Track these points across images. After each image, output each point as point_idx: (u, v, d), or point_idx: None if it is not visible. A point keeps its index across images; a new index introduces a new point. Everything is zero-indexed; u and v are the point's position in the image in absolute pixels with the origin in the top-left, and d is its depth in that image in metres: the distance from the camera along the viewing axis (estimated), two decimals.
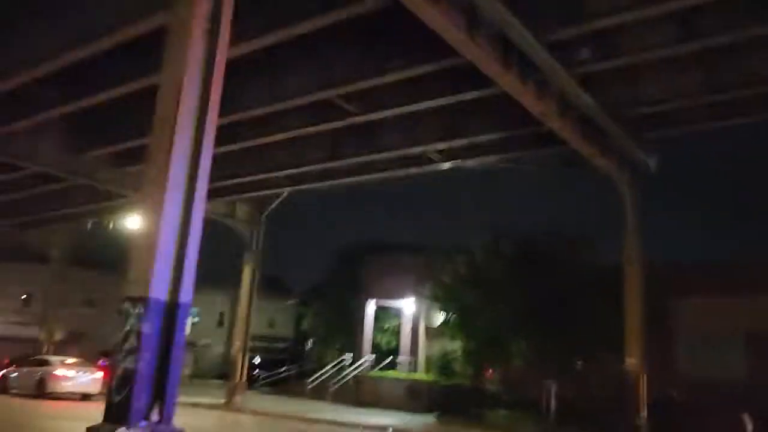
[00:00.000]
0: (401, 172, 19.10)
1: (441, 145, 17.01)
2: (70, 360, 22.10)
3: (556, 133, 14.84)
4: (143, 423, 5.76)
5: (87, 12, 11.94)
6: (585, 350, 20.99)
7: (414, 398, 25.43)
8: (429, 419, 21.59)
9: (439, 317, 29.22)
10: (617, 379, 16.94)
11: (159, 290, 6.06)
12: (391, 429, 18.44)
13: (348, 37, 13.02)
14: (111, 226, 25.22)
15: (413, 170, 18.86)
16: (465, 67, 12.83)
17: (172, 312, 6.14)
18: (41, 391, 20.67)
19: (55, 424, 14.39)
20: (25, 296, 47.21)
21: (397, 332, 34.35)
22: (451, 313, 23.36)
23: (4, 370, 23.10)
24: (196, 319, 55.39)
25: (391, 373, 28.15)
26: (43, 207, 27.79)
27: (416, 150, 17.40)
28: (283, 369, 38.81)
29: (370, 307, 32.24)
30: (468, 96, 14.48)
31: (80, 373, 21.24)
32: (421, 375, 27.39)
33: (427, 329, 30.21)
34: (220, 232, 26.44)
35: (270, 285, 55.44)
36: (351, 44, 13.64)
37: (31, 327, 45.89)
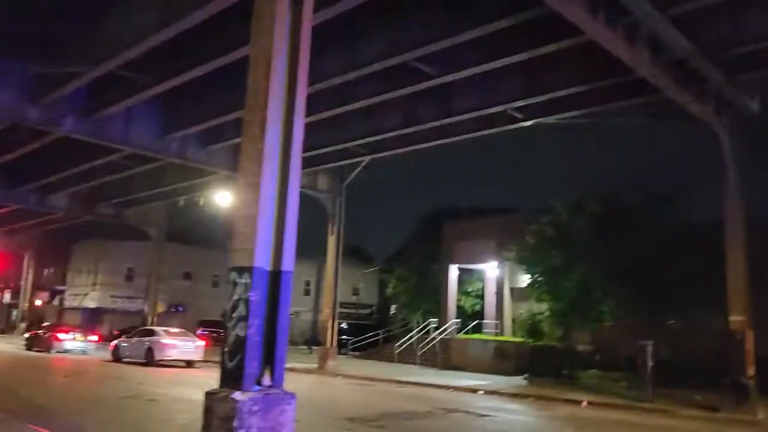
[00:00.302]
0: (479, 134, 18.75)
1: (520, 103, 16.53)
2: (174, 330, 23.47)
3: (645, 82, 14.08)
4: (256, 387, 6.01)
5: None
6: (680, 309, 20.17)
7: (502, 360, 25.39)
8: (519, 381, 21.50)
9: (525, 279, 28.91)
10: (718, 337, 16.20)
11: (262, 259, 6.24)
12: (482, 391, 18.53)
13: None
14: (201, 202, 26.31)
15: (492, 131, 18.48)
16: (542, 20, 12.34)
17: (276, 280, 6.32)
18: (150, 359, 22.11)
19: (176, 390, 15.37)
20: (127, 272, 50.41)
21: (480, 295, 34.26)
22: (536, 275, 22.94)
23: (116, 341, 24.85)
24: None
25: (477, 336, 28.17)
26: (139, 187, 29.34)
27: (495, 110, 17.01)
28: (370, 334, 39.62)
29: (453, 272, 32.22)
30: (547, 49, 13.91)
31: (183, 341, 22.54)
32: (507, 337, 27.25)
33: (512, 291, 29.94)
34: (303, 203, 26.95)
35: (352, 253, 56.49)
36: (425, 5, 13.39)
37: (134, 300, 49.13)
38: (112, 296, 49.20)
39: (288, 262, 6.45)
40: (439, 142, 19.93)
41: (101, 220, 34.89)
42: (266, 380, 6.11)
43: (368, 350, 35.79)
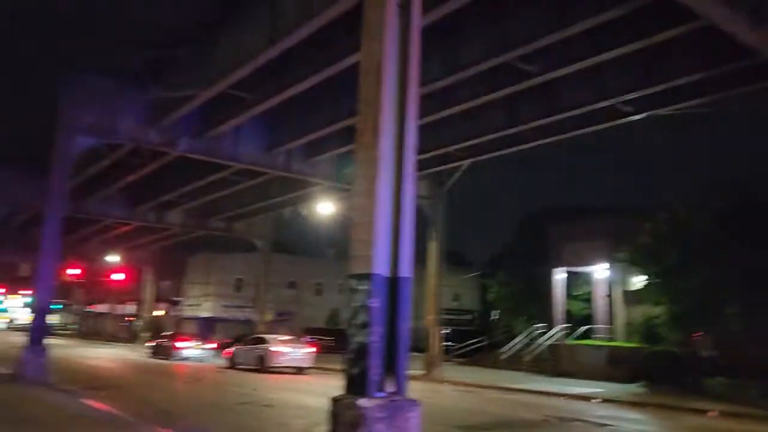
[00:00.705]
0: (586, 131, 18.03)
1: (632, 95, 15.72)
2: (284, 337, 24.23)
3: None
4: (380, 394, 6.00)
5: (280, 7, 12.68)
6: None
7: (615, 367, 24.18)
8: (635, 389, 20.39)
9: (638, 281, 27.47)
10: None
11: (381, 266, 6.24)
12: (598, 399, 17.72)
13: None
14: (304, 213, 27.05)
15: (599, 126, 17.71)
16: (652, 6, 11.68)
17: (394, 286, 6.30)
18: (262, 365, 22.92)
19: (289, 396, 15.83)
20: (236, 282, 52.82)
21: (588, 299, 32.94)
22: (652, 276, 21.69)
23: (232, 348, 25.99)
24: None
25: (587, 342, 27.04)
26: (246, 201, 30.67)
27: (603, 104, 16.28)
28: (473, 341, 39.10)
29: (560, 275, 31.15)
30: (660, 37, 13.17)
31: (294, 349, 23.20)
32: (621, 342, 25.95)
33: (625, 294, 28.49)
34: None
35: (450, 259, 56.13)
36: (529, 2, 13.07)
37: (242, 309, 51.35)
38: (223, 306, 51.69)
39: (405, 268, 6.42)
40: (541, 141, 19.38)
41: (213, 233, 36.79)
42: (389, 387, 6.09)
43: (472, 356, 35.31)
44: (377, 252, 6.23)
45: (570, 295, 32.35)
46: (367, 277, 6.20)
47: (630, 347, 24.31)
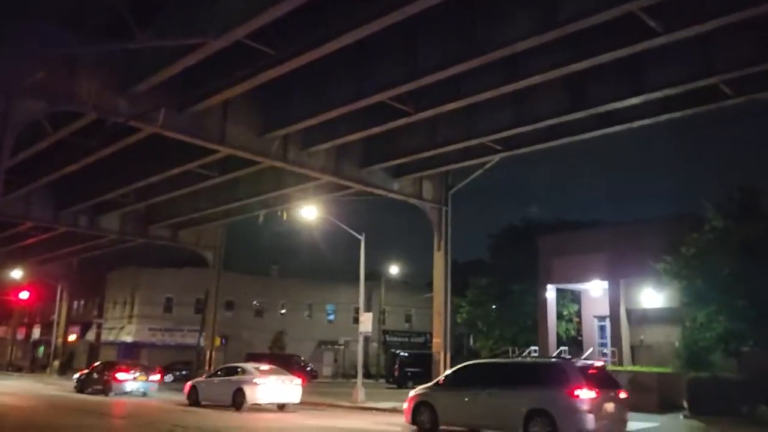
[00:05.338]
0: (673, 115, 15.31)
1: (745, 71, 13.11)
2: (264, 367, 19.78)
3: None
4: None
5: None
6: None
7: (638, 394, 21.64)
8: (686, 420, 17.82)
9: (647, 298, 25.34)
10: None
11: None
12: None
13: None
14: (284, 216, 22.82)
15: (686, 111, 15.07)
16: None
17: None
18: (239, 402, 18.47)
19: None
20: (166, 302, 47.03)
21: (570, 320, 30.91)
22: (696, 291, 19.30)
23: (192, 381, 21.23)
24: (331, 317, 53.49)
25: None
26: (201, 204, 26.16)
27: (704, 83, 13.61)
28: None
29: (551, 293, 28.59)
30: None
31: (280, 380, 18.87)
32: (643, 367, 23.52)
33: (629, 314, 26.21)
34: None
35: (402, 278, 52.95)
36: None
37: (173, 333, 45.62)
38: (150, 329, 45.61)
39: None
40: (609, 129, 16.50)
41: (154, 243, 31.47)
42: None
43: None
44: None
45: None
46: None
47: (658, 373, 21.86)
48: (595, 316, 29.23)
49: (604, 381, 12.48)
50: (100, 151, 18.68)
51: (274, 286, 51.39)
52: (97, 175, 22.88)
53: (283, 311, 51.48)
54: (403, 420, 14.46)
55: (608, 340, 27.30)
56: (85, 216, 27.26)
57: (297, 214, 23.23)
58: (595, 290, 27.96)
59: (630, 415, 18.62)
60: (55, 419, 15.93)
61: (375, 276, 46.28)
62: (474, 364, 14.87)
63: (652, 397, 20.91)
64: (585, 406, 11.37)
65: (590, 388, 11.55)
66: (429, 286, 54.85)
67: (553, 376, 12.18)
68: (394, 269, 46.49)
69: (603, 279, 26.50)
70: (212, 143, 16.93)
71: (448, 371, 14.39)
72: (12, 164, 19.09)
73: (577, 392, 11.47)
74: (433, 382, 14.55)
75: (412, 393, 14.45)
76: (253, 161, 19.72)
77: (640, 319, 25.82)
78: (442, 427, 13.43)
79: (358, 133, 17.59)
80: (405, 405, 14.30)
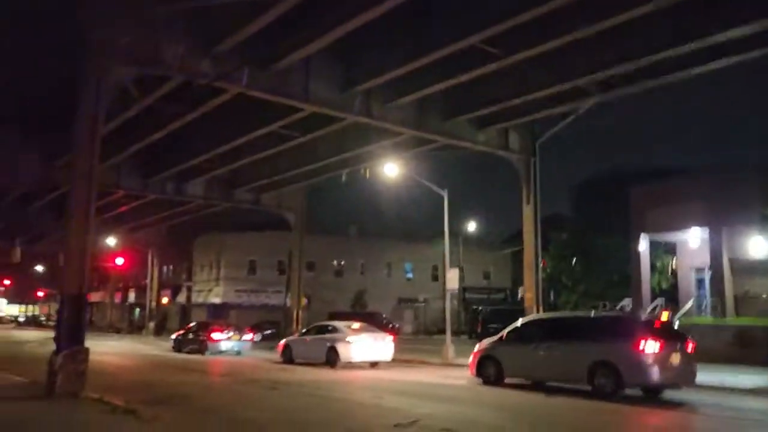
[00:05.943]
0: None
1: None
2: (356, 325, 19.84)
3: None
4: None
5: None
6: None
7: (744, 349, 20.36)
8: None
9: (753, 247, 23.72)
10: None
11: None
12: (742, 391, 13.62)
13: None
14: (366, 174, 22.49)
15: None
16: None
17: None
18: (333, 359, 18.63)
19: (409, 402, 11.59)
20: (249, 264, 48.33)
21: (662, 272, 29.60)
22: None
23: (285, 340, 21.65)
24: (409, 275, 53.55)
25: (703, 320, 23.22)
26: (282, 166, 26.24)
27: None
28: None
29: (644, 244, 27.21)
30: None
31: (373, 339, 18.88)
32: (750, 320, 22.16)
33: (732, 264, 24.62)
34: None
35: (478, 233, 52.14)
36: None
37: (258, 294, 46.92)
38: (236, 290, 47.16)
39: None
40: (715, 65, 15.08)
41: (239, 206, 32.10)
42: None
43: None
44: None
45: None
46: None
47: (766, 326, 20.48)
48: (692, 268, 27.82)
49: (668, 334, 12.66)
50: (184, 117, 18.85)
51: (352, 246, 51.86)
52: (182, 142, 23.28)
53: (362, 271, 51.94)
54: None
55: (707, 292, 25.96)
56: (171, 183, 28.00)
57: (378, 172, 23.00)
58: (693, 240, 26.46)
59: (736, 369, 17.58)
60: (163, 377, 16.56)
61: (453, 233, 45.80)
62: (537, 319, 15.77)
63: (762, 351, 19.69)
64: (649, 359, 11.43)
65: (655, 341, 11.56)
66: (506, 242, 54.21)
67: (618, 330, 12.41)
68: (471, 226, 45.73)
69: (703, 226, 25.02)
70: (296, 101, 16.69)
71: (510, 327, 14.21)
72: (104, 133, 19.76)
73: (641, 344, 11.47)
74: (497, 336, 14.55)
75: (476, 348, 14.75)
76: (334, 119, 19.44)
77: (745, 269, 24.27)
78: (506, 380, 13.70)
79: (443, 83, 16.86)
80: (470, 359, 14.54)
